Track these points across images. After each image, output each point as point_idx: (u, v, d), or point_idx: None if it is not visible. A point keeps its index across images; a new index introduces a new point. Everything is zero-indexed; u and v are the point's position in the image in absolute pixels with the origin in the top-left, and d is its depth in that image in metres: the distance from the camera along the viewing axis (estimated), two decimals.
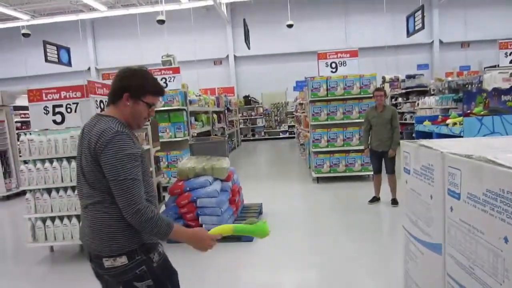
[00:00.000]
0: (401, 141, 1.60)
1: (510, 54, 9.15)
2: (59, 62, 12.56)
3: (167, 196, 5.04)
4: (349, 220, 5.22)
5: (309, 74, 10.96)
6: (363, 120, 7.26)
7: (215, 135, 10.57)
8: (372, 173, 7.14)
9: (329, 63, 7.87)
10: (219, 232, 1.88)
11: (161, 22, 13.54)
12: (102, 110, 4.45)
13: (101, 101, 4.46)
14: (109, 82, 5.54)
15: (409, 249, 1.54)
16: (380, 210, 5.69)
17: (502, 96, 4.49)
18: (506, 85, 6.03)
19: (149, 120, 1.85)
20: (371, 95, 7.38)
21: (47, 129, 4.40)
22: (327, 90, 7.39)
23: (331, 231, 4.84)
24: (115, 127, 1.68)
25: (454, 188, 1.09)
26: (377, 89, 5.93)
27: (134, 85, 1.76)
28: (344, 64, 7.79)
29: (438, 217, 1.22)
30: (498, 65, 9.04)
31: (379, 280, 3.42)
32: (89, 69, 20.71)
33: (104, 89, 4.62)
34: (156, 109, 1.98)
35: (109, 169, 1.63)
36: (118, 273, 1.72)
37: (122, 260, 1.70)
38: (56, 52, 12.34)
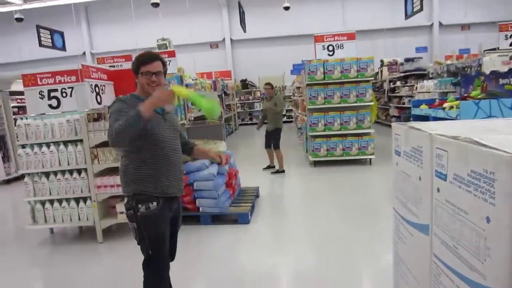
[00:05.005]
0: (392, 124, 1.61)
1: (510, 37, 9.08)
2: (53, 46, 12.40)
3: None
4: (345, 203, 5.27)
5: (307, 58, 10.87)
6: (360, 104, 7.37)
7: (212, 119, 10.56)
8: (369, 156, 7.36)
9: (326, 46, 7.81)
10: (176, 90, 2.19)
11: (156, 5, 13.33)
12: (97, 94, 4.43)
13: (96, 85, 4.44)
14: (104, 66, 5.50)
15: (399, 230, 1.57)
16: (374, 192, 5.74)
17: (500, 79, 4.48)
18: (505, 68, 6.01)
19: (158, 85, 2.28)
20: (369, 79, 7.40)
21: (43, 114, 4.40)
22: (324, 73, 7.35)
23: (327, 214, 4.89)
24: (122, 97, 2.33)
25: (441, 169, 1.11)
26: (266, 84, 7.34)
27: (133, 67, 2.31)
28: (342, 47, 7.73)
29: (426, 198, 1.24)
30: (498, 48, 8.98)
31: (374, 262, 3.48)
32: (84, 53, 20.49)
33: (99, 73, 4.58)
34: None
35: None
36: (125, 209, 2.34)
37: (124, 201, 2.34)
38: (50, 36, 12.17)
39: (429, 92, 10.80)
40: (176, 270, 2.64)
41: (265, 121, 7.51)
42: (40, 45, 11.87)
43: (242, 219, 4.59)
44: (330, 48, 7.72)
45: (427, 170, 1.23)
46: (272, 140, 7.34)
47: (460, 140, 0.99)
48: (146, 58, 2.26)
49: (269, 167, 7.75)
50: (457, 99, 4.81)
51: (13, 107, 9.16)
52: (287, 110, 19.19)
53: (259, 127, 7.84)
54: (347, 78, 7.35)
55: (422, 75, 12.63)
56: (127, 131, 2.02)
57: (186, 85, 8.05)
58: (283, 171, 7.37)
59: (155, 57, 2.30)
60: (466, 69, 10.12)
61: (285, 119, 18.99)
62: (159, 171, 2.27)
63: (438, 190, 1.13)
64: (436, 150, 1.14)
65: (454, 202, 1.03)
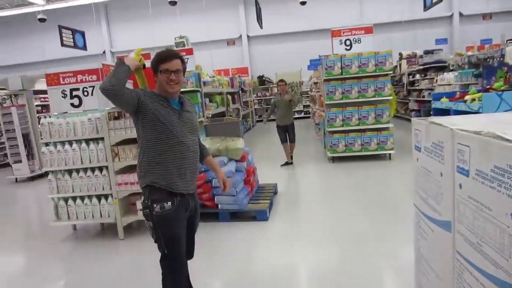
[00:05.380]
0: (412, 119, 1.59)
1: None
2: (75, 46, 12.68)
3: None
4: (364, 200, 5.22)
5: (324, 53, 10.78)
6: (379, 99, 7.27)
7: (230, 116, 10.61)
8: (389, 151, 7.26)
9: (343, 41, 7.72)
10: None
11: (173, 3, 13.45)
12: None
13: None
14: None
15: (420, 227, 1.55)
16: (394, 188, 5.67)
17: None
18: None
19: (177, 83, 2.34)
20: (387, 73, 7.29)
21: (66, 112, 4.51)
22: (341, 68, 7.28)
23: (346, 211, 4.86)
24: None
25: (463, 165, 1.09)
26: (280, 81, 7.80)
27: (153, 65, 2.33)
28: (359, 41, 7.64)
29: (448, 194, 1.22)
30: None
31: (394, 259, 3.44)
32: (104, 52, 20.86)
33: None
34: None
35: None
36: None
37: (141, 199, 2.37)
38: (71, 36, 12.45)
39: (450, 84, 10.55)
40: (194, 266, 2.68)
41: (272, 117, 8.08)
42: (62, 44, 12.15)
43: (260, 216, 4.61)
44: (348, 42, 7.63)
45: (448, 166, 1.21)
46: (291, 134, 7.67)
47: (483, 135, 0.98)
48: (165, 56, 2.28)
49: (286, 163, 7.81)
50: (479, 91, 4.69)
51: (36, 105, 9.40)
52: (304, 106, 19.13)
53: (267, 119, 8.36)
54: (365, 72, 7.25)
55: (442, 68, 12.35)
56: (111, 75, 2.15)
57: (204, 83, 8.12)
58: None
59: (174, 55, 2.31)
60: (488, 60, 9.83)
61: (302, 114, 18.96)
62: (169, 165, 2.28)
63: (460, 186, 1.11)
64: (458, 146, 1.12)
65: (477, 198, 1.02)
